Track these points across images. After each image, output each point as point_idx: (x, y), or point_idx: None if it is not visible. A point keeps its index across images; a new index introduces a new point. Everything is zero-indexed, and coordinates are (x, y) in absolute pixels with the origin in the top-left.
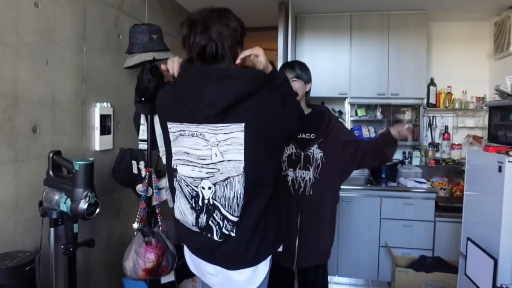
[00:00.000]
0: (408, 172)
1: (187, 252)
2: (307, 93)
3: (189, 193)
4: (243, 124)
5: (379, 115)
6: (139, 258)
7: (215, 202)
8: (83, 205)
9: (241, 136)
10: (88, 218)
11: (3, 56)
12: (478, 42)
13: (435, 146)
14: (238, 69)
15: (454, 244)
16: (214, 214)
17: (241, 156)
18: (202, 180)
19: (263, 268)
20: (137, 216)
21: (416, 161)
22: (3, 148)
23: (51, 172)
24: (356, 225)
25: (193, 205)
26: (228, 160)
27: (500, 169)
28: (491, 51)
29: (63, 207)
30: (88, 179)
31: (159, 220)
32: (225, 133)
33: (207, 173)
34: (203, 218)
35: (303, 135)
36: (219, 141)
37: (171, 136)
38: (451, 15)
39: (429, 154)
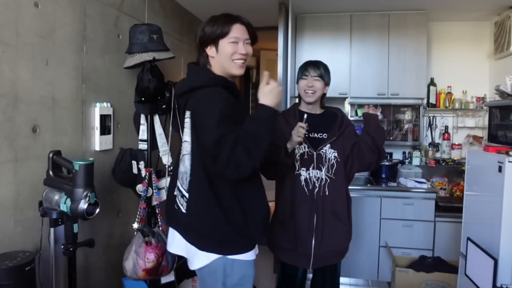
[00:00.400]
0: (408, 172)
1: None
2: (324, 95)
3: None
4: (189, 112)
5: (379, 115)
6: (139, 258)
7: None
8: (83, 205)
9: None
10: (88, 218)
11: (3, 56)
12: (478, 42)
13: (435, 146)
14: None
15: (454, 244)
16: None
17: (189, 138)
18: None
19: (202, 258)
20: (137, 216)
21: (416, 161)
22: (3, 148)
23: (51, 172)
24: (356, 225)
25: None
26: (185, 141)
27: (500, 169)
28: (491, 51)
29: (63, 207)
30: (88, 179)
31: (159, 220)
32: (186, 118)
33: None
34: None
35: (316, 135)
36: (185, 125)
37: None
38: (451, 15)
39: (429, 154)
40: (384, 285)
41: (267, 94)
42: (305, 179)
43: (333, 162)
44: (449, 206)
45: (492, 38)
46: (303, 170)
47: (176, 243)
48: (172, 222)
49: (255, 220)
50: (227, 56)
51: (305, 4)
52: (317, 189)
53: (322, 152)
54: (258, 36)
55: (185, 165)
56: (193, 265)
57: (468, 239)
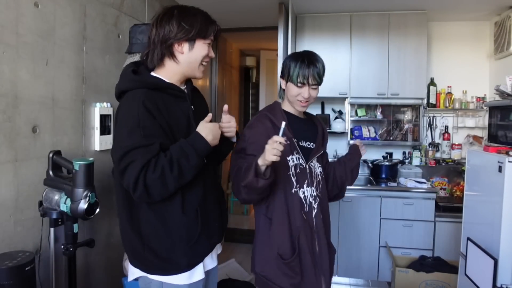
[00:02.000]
0: (408, 172)
1: None
2: None
3: None
4: None
5: (379, 115)
6: None
7: None
8: (83, 205)
9: None
10: (88, 218)
11: (3, 56)
12: (478, 42)
13: (435, 146)
14: None
15: (454, 244)
16: None
17: None
18: None
19: (131, 272)
20: None
21: (416, 161)
22: (3, 148)
23: (51, 172)
24: (356, 225)
25: None
26: None
27: (500, 169)
28: (491, 51)
29: (63, 207)
30: (88, 179)
31: None
32: None
33: None
34: None
35: (304, 143)
36: None
37: None
38: (451, 15)
39: (429, 154)
40: (384, 285)
41: (210, 130)
42: (301, 200)
43: (320, 179)
44: (449, 206)
45: (492, 38)
46: (297, 187)
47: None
48: None
49: (179, 246)
50: (199, 57)
51: (305, 4)
52: (315, 211)
53: (311, 165)
54: (258, 36)
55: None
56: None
57: (468, 239)
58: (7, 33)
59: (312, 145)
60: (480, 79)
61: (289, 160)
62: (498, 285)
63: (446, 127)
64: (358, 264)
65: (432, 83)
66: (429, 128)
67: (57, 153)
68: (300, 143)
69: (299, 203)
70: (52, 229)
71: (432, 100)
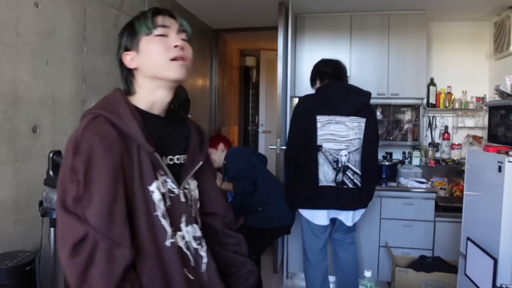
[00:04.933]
0: (408, 172)
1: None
2: None
3: (332, 159)
4: (364, 119)
5: (379, 115)
6: None
7: (348, 164)
8: None
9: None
10: None
11: (3, 56)
12: (478, 42)
13: (435, 146)
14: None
15: (454, 244)
16: (347, 172)
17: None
18: (341, 150)
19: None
20: None
21: (416, 161)
22: (3, 148)
23: (51, 172)
24: (356, 225)
25: (334, 166)
26: (358, 138)
27: (500, 169)
28: (491, 51)
29: None
30: None
31: None
32: (357, 122)
33: (345, 145)
34: (340, 175)
35: (172, 159)
36: (354, 127)
37: (318, 124)
38: (451, 15)
39: (429, 154)
40: (384, 285)
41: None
42: (181, 252)
43: (199, 206)
44: (449, 206)
45: (492, 38)
46: (173, 233)
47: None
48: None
49: None
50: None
51: (305, 4)
52: (204, 262)
53: (186, 188)
54: (258, 36)
55: (359, 154)
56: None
57: (468, 239)
58: (7, 33)
59: (182, 159)
60: (480, 79)
61: (152, 192)
62: (498, 285)
63: (446, 127)
64: (358, 264)
65: (432, 83)
66: (429, 128)
67: (57, 153)
68: (165, 159)
69: (178, 258)
70: (52, 229)
71: (432, 100)
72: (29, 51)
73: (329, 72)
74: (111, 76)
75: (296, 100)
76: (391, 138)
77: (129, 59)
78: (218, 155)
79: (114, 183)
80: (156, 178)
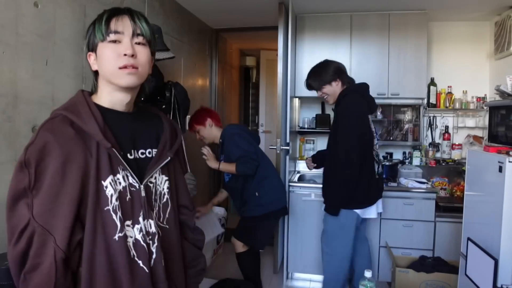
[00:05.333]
0: (408, 172)
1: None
2: None
3: (375, 154)
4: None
5: (379, 115)
6: None
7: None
8: None
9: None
10: None
11: (3, 56)
12: (478, 42)
13: (435, 146)
14: None
15: (455, 244)
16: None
17: None
18: (376, 144)
19: None
20: None
21: (416, 161)
22: (3, 148)
23: None
24: None
25: (377, 160)
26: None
27: (500, 169)
28: (491, 51)
29: None
30: None
31: None
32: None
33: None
34: (380, 168)
35: (137, 153)
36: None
37: (369, 122)
38: (451, 15)
39: (429, 154)
40: (384, 285)
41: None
42: (134, 244)
43: (166, 200)
44: (449, 206)
45: (492, 38)
46: (128, 226)
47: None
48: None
49: None
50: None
51: (305, 4)
52: (154, 257)
53: (150, 183)
54: (258, 36)
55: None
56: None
57: (469, 239)
58: (7, 33)
59: (150, 152)
60: (480, 79)
61: (106, 187)
62: (499, 285)
63: (446, 127)
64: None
65: (432, 83)
66: (429, 128)
67: None
68: (131, 154)
69: (126, 252)
70: None
71: (432, 100)
72: (28, 51)
73: (346, 72)
74: None
75: (296, 100)
76: (391, 138)
77: (92, 59)
78: (207, 131)
79: (62, 177)
80: (113, 173)
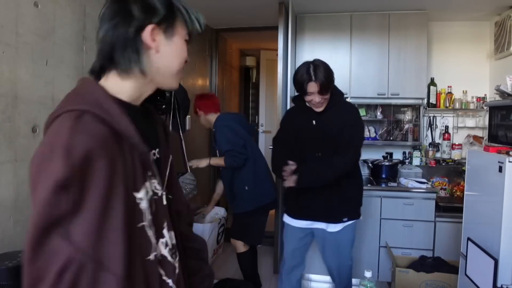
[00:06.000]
0: (408, 172)
1: None
2: None
3: None
4: None
5: (379, 115)
6: None
7: None
8: None
9: None
10: None
11: (3, 56)
12: (478, 42)
13: (435, 146)
14: None
15: (455, 244)
16: None
17: None
18: None
19: None
20: None
21: (416, 161)
22: (3, 148)
23: None
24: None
25: None
26: None
27: (500, 169)
28: (491, 51)
29: None
30: None
31: None
32: None
33: None
34: None
35: (155, 154)
36: None
37: None
38: (451, 15)
39: (429, 154)
40: (384, 285)
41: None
42: (165, 262)
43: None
44: (449, 206)
45: (493, 38)
46: (160, 240)
47: None
48: None
49: None
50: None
51: (305, 4)
52: (177, 272)
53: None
54: (258, 36)
55: None
56: None
57: (469, 239)
58: (7, 33)
59: (155, 153)
60: (480, 79)
61: (140, 199)
62: (499, 285)
63: (446, 127)
64: (358, 264)
65: (432, 83)
66: (429, 128)
67: None
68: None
69: (159, 272)
70: None
71: (432, 100)
72: (28, 51)
73: None
74: None
75: None
76: (391, 138)
77: (155, 35)
78: (202, 120)
79: (111, 194)
80: (145, 183)
